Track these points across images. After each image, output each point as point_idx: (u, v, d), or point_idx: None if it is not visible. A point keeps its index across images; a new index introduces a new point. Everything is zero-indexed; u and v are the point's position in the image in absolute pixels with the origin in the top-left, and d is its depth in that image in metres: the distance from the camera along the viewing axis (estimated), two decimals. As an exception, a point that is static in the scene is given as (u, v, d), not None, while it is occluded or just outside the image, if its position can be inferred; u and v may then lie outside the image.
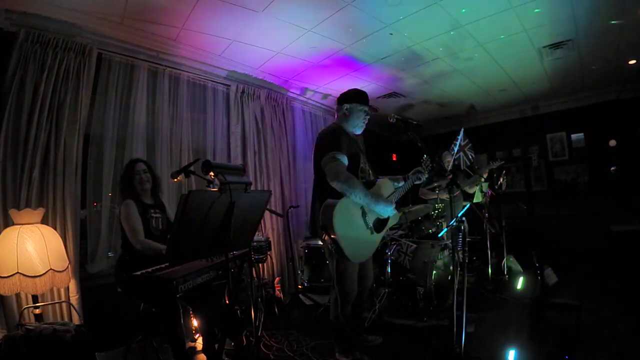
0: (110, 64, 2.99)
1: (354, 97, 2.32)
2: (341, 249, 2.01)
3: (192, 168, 2.23)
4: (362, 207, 2.14)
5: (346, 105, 2.31)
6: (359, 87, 2.45)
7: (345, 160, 2.11)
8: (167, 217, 2.45)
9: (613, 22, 3.73)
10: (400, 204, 2.66)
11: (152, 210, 2.37)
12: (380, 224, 2.28)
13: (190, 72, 3.61)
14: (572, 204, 5.65)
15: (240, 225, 1.83)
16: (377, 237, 2.29)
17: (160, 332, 2.24)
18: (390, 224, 2.38)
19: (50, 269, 2.11)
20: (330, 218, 1.98)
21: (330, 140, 2.17)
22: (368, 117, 2.35)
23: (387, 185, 2.36)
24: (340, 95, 2.38)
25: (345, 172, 2.06)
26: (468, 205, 2.44)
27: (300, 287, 3.94)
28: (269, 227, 4.06)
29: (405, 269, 3.22)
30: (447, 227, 2.95)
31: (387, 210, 2.19)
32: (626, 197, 5.08)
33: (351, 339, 2.28)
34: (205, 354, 2.27)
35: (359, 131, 2.37)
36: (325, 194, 2.11)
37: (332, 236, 2.01)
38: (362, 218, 2.15)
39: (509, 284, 3.82)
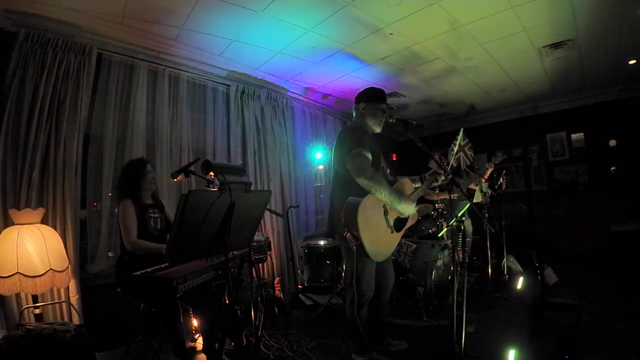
0: (110, 64, 2.99)
1: (370, 95, 2.30)
2: (364, 248, 2.01)
3: (192, 168, 2.23)
4: (383, 206, 2.15)
5: (362, 104, 2.30)
6: (359, 87, 2.45)
7: (370, 156, 2.11)
8: (166, 217, 2.45)
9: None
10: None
11: (151, 210, 2.37)
12: (399, 223, 2.29)
13: (190, 72, 3.60)
14: (572, 204, 5.65)
15: (240, 225, 1.83)
16: (397, 237, 2.29)
17: (160, 332, 2.24)
18: (409, 224, 2.39)
19: (50, 269, 2.11)
20: (354, 216, 1.99)
21: (354, 137, 2.17)
22: (385, 115, 2.31)
23: (407, 185, 2.36)
24: (357, 94, 2.37)
25: (371, 169, 2.07)
26: (468, 205, 2.43)
27: (300, 287, 3.94)
28: (269, 227, 4.06)
29: (405, 269, 3.22)
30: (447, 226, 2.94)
31: (409, 209, 2.20)
32: (626, 197, 5.08)
33: (368, 339, 2.26)
34: (205, 354, 2.27)
35: (378, 129, 2.33)
36: (347, 192, 2.12)
37: (355, 234, 2.01)
38: (384, 217, 2.16)
39: (509, 284, 3.82)
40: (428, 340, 2.56)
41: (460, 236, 2.17)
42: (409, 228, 3.80)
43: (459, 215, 2.14)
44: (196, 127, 3.66)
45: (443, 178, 2.36)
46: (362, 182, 2.03)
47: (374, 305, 2.31)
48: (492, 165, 3.95)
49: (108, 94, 2.95)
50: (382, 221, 2.16)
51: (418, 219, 3.84)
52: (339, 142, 2.24)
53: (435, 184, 2.45)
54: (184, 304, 2.27)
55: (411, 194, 2.32)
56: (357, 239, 2.01)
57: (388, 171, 2.39)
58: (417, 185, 2.43)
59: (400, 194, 2.18)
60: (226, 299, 2.25)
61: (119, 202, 2.26)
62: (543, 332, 2.54)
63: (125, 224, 2.17)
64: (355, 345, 2.27)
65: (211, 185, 1.94)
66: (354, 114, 2.39)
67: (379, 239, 2.12)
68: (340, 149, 2.20)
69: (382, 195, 2.05)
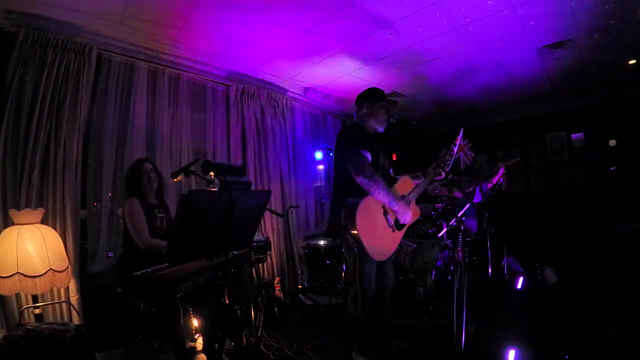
0: (110, 64, 2.99)
1: (373, 95, 2.34)
2: (364, 248, 2.02)
3: (192, 168, 2.23)
4: (383, 206, 2.16)
5: (366, 104, 2.33)
6: (359, 87, 2.46)
7: (368, 156, 2.13)
8: (170, 217, 2.45)
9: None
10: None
11: (157, 210, 2.37)
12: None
13: (190, 72, 3.60)
14: (572, 204, 5.65)
15: (240, 225, 1.83)
16: (398, 235, 2.30)
17: (160, 332, 2.24)
18: (410, 221, 2.37)
19: (50, 269, 2.11)
20: (353, 217, 2.01)
21: (353, 136, 2.22)
22: (388, 114, 2.34)
23: (407, 183, 2.36)
24: (358, 95, 2.41)
25: (370, 169, 2.09)
26: (468, 205, 2.43)
27: (300, 287, 3.94)
28: (269, 227, 4.05)
29: (405, 269, 3.22)
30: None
31: (404, 215, 2.20)
32: (626, 197, 5.07)
33: (369, 337, 2.26)
34: (205, 354, 2.27)
35: (381, 128, 2.36)
36: (347, 193, 2.14)
37: (354, 235, 2.03)
38: (384, 216, 2.17)
39: (509, 284, 3.82)
40: (428, 340, 2.56)
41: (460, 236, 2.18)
42: (410, 228, 3.83)
43: (460, 215, 2.14)
44: (196, 127, 3.65)
45: (445, 171, 2.35)
46: (361, 180, 2.05)
47: (375, 305, 2.31)
48: (504, 165, 3.89)
49: (108, 94, 2.96)
50: (382, 220, 2.17)
51: (418, 219, 3.85)
52: (339, 142, 2.28)
53: (438, 178, 2.43)
54: (184, 304, 2.27)
55: (409, 193, 2.32)
56: (357, 239, 2.03)
57: (389, 169, 2.38)
58: (418, 182, 2.40)
59: (398, 196, 2.18)
60: (226, 299, 2.26)
61: (125, 202, 2.27)
62: (543, 332, 2.54)
63: (136, 224, 2.16)
64: (356, 344, 2.27)
65: (211, 185, 1.95)
66: (355, 115, 2.42)
67: (379, 238, 2.14)
68: (340, 149, 2.24)
69: (381, 195, 2.07)
